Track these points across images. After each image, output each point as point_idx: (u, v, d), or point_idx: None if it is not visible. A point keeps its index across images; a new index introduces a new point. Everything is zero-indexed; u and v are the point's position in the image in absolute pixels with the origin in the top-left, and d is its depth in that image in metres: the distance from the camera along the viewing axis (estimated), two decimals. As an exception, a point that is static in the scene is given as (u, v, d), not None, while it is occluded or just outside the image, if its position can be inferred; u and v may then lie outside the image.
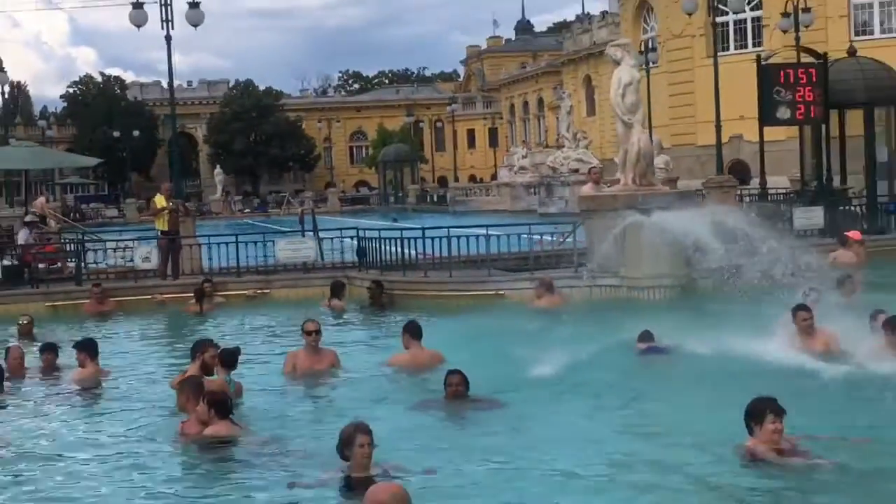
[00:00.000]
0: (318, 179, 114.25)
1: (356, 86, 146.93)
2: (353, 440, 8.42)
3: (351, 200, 79.61)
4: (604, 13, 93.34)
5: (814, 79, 29.19)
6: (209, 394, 10.43)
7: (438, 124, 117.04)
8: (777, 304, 14.53)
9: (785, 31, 36.09)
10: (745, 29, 52.79)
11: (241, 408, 11.95)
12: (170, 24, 27.66)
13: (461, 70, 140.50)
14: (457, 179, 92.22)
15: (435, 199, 72.29)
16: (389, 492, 6.17)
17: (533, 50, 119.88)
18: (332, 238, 23.99)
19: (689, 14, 39.90)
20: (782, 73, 29.42)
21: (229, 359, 12.13)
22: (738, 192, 32.55)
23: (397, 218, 46.69)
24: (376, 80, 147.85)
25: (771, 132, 35.52)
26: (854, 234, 23.92)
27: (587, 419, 11.06)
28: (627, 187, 20.20)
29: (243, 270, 23.43)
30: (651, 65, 50.82)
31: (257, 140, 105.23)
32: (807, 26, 36.60)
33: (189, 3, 27.93)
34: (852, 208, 29.22)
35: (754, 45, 51.69)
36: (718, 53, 53.02)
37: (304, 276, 23.09)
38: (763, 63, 29.86)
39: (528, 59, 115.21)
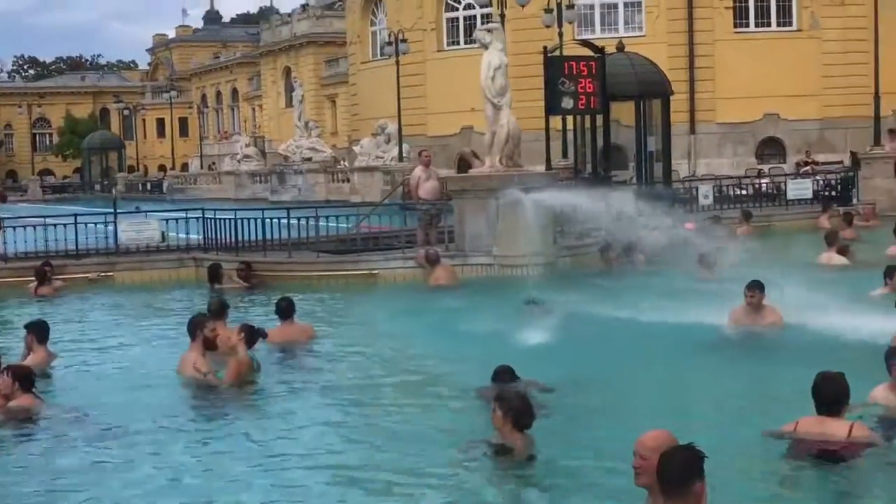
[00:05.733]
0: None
1: (32, 72, 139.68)
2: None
3: (53, 189, 75.86)
4: (304, 5, 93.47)
5: (594, 71, 30.69)
6: (13, 367, 10.82)
7: (126, 112, 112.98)
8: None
9: (548, 27, 37.63)
10: (475, 25, 54.46)
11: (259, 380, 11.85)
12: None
13: (139, 59, 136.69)
14: (145, 169, 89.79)
15: (148, 187, 70.00)
16: (656, 439, 6.33)
17: (223, 40, 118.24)
18: (176, 220, 23.08)
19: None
20: (566, 64, 30.70)
21: (251, 336, 11.89)
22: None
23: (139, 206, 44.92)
24: (54, 67, 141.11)
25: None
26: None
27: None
28: (495, 168, 20.68)
29: (82, 253, 22.25)
30: (387, 57, 51.52)
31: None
32: (570, 22, 38.50)
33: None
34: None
35: (484, 41, 53.52)
36: (447, 48, 54.89)
37: (147, 258, 22.20)
38: (549, 55, 31.12)
39: (220, 50, 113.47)
